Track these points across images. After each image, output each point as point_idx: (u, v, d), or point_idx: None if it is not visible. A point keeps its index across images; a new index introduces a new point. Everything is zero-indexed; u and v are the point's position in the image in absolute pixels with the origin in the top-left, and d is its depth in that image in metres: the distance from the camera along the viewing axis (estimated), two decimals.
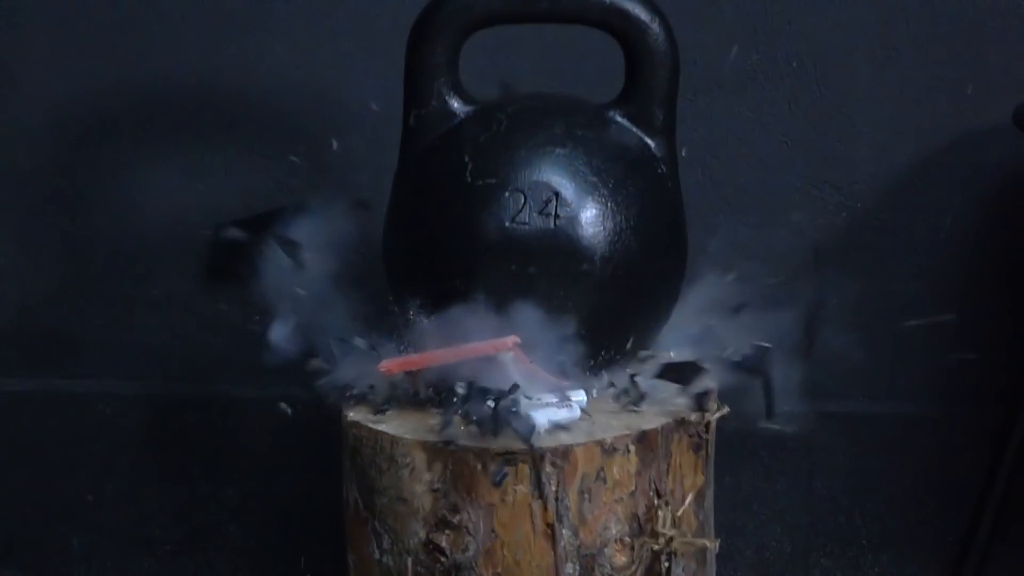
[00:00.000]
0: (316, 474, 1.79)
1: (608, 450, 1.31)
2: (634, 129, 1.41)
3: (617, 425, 1.34)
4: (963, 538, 1.81)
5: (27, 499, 1.98)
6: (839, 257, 1.80)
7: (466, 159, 1.36)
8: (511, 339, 1.33)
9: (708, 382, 1.40)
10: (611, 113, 1.42)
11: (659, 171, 1.42)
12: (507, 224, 1.34)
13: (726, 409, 1.40)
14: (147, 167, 1.87)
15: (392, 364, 1.37)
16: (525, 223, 1.34)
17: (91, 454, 1.96)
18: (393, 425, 1.36)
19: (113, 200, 1.89)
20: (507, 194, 1.35)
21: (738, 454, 1.85)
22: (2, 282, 1.93)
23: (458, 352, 1.34)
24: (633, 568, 1.34)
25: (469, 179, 1.36)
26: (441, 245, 1.37)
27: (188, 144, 1.86)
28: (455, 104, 1.41)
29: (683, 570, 1.37)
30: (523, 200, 1.34)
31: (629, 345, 1.41)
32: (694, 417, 1.37)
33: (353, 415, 1.39)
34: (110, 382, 1.94)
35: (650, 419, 1.35)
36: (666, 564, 1.35)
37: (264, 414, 1.67)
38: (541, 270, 1.34)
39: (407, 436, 1.33)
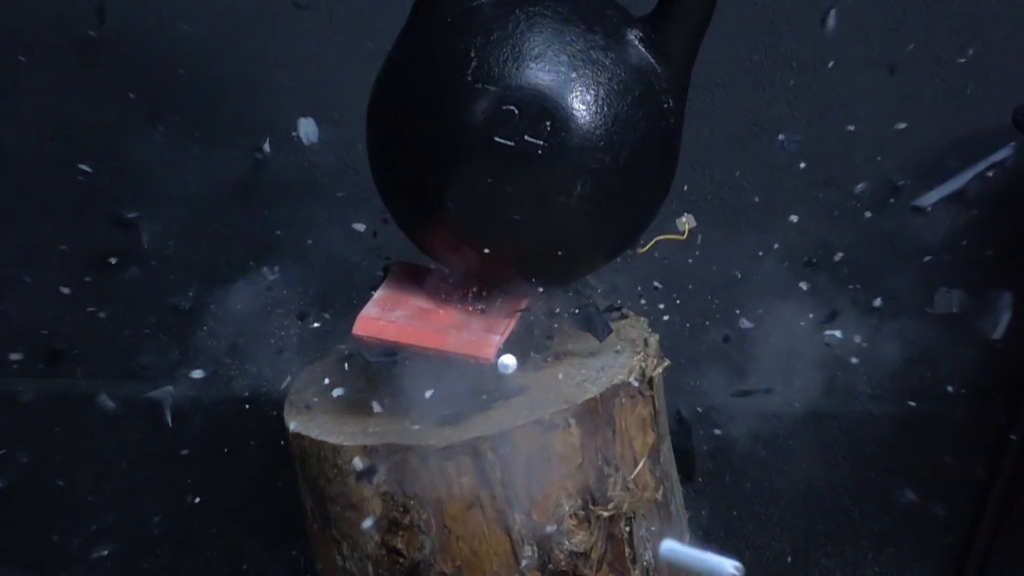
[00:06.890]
0: None
1: (548, 427, 1.28)
2: (650, 57, 1.34)
3: (554, 399, 1.31)
4: (963, 538, 1.81)
5: (27, 499, 1.98)
6: (838, 257, 1.80)
7: (472, 55, 1.29)
8: (494, 347, 1.30)
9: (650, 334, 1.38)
10: (632, 34, 1.34)
11: (665, 105, 1.35)
12: (494, 138, 1.28)
13: (667, 362, 1.38)
14: (147, 166, 1.87)
15: (366, 329, 1.33)
16: (511, 141, 1.28)
17: (91, 454, 1.96)
18: (329, 429, 1.34)
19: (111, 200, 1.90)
20: (502, 106, 1.28)
21: (737, 454, 1.85)
22: (2, 282, 1.94)
23: (436, 342, 1.31)
24: (593, 540, 1.31)
25: (469, 78, 1.29)
26: (424, 135, 1.31)
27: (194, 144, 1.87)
28: None
29: (646, 531, 1.34)
30: (516, 117, 1.28)
31: (583, 273, 1.39)
32: (633, 378, 1.33)
33: (295, 426, 1.36)
34: (110, 382, 1.94)
35: (587, 388, 1.31)
36: (627, 529, 1.33)
37: (264, 414, 1.67)
38: (516, 191, 1.29)
39: (347, 443, 1.30)
